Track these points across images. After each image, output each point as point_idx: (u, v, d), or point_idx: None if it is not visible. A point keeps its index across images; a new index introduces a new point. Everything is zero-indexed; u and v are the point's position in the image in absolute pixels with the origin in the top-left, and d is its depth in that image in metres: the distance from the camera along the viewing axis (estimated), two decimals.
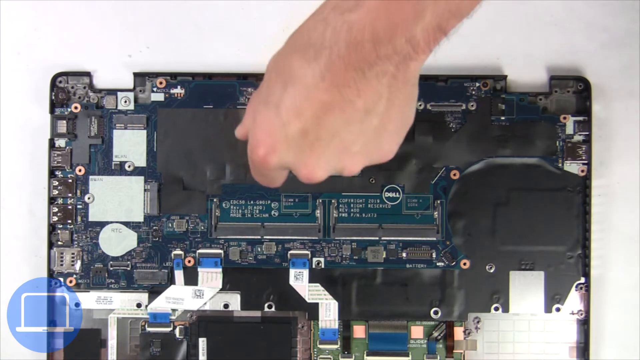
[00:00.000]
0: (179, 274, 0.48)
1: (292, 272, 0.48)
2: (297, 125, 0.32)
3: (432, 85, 0.48)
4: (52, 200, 0.48)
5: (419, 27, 0.30)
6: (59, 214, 0.48)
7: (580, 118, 0.48)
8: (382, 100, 0.32)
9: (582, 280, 0.48)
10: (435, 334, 0.48)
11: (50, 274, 0.48)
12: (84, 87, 0.49)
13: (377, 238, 0.48)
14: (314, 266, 0.48)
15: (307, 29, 0.32)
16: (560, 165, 0.48)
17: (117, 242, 0.48)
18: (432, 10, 0.29)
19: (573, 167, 0.48)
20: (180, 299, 0.48)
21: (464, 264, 0.48)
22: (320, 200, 0.48)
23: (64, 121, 0.48)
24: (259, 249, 0.48)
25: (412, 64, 0.31)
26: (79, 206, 0.48)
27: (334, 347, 0.48)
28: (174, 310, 0.48)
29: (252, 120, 0.34)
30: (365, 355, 0.48)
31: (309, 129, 0.32)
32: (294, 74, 0.31)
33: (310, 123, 0.32)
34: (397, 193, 0.48)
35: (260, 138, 0.33)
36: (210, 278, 0.48)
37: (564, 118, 0.48)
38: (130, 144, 0.48)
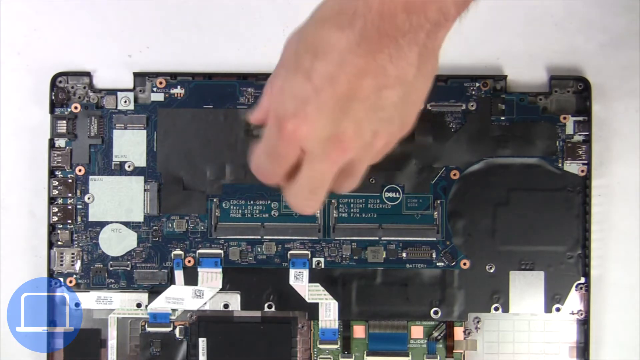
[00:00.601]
0: (178, 274, 0.48)
1: (292, 272, 0.48)
2: (330, 92, 0.31)
3: (432, 85, 0.48)
4: (52, 200, 0.48)
5: None
6: (58, 214, 0.48)
7: (580, 118, 0.48)
8: (412, 68, 0.32)
9: (582, 280, 0.48)
10: (435, 334, 0.48)
11: (50, 274, 0.48)
12: (84, 87, 0.49)
13: (377, 238, 0.48)
14: (314, 266, 0.48)
15: (336, 1, 0.31)
16: (560, 165, 0.48)
17: (117, 242, 0.48)
18: None
19: (573, 167, 0.48)
20: (180, 299, 0.48)
21: (464, 264, 0.48)
22: None
23: (64, 121, 0.48)
24: (259, 249, 0.48)
25: (441, 31, 0.31)
26: (79, 206, 0.48)
27: (334, 347, 0.48)
28: (174, 310, 0.48)
29: (276, 92, 0.32)
30: (365, 355, 0.48)
31: (341, 96, 0.31)
32: (326, 42, 0.30)
33: (344, 89, 0.31)
34: (397, 193, 0.48)
35: (290, 107, 0.31)
36: (210, 278, 0.48)
37: (564, 118, 0.48)
38: (130, 144, 0.48)
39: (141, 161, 0.48)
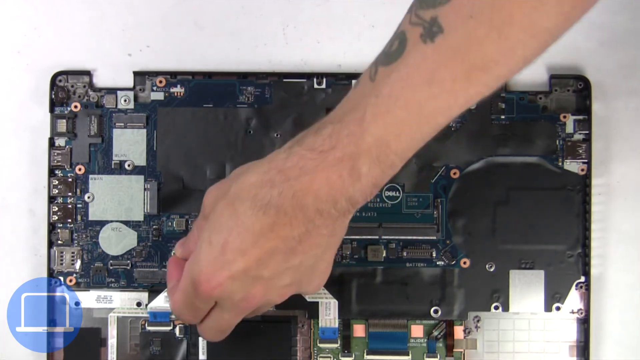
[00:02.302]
0: None
1: None
2: (241, 264, 0.35)
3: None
4: (52, 199, 0.48)
5: (356, 189, 0.33)
6: (58, 213, 0.48)
7: (580, 117, 0.48)
8: (320, 248, 0.35)
9: (582, 279, 0.48)
10: (435, 332, 0.48)
11: (50, 273, 0.48)
12: (84, 86, 0.49)
13: (377, 237, 0.48)
14: None
15: (254, 185, 0.34)
16: (560, 164, 0.48)
17: (117, 241, 0.48)
18: (366, 174, 0.33)
19: (573, 166, 0.48)
20: None
21: (464, 262, 0.48)
22: None
23: (64, 120, 0.48)
24: None
25: (349, 215, 0.35)
26: (78, 205, 0.48)
27: (334, 346, 0.48)
28: None
29: (197, 254, 0.36)
30: (365, 354, 0.48)
31: (251, 268, 0.35)
32: (242, 221, 0.34)
33: (254, 263, 0.35)
34: (397, 192, 0.48)
35: (205, 273, 0.35)
36: None
37: (564, 117, 0.48)
38: (130, 143, 0.48)
39: (141, 160, 0.48)
